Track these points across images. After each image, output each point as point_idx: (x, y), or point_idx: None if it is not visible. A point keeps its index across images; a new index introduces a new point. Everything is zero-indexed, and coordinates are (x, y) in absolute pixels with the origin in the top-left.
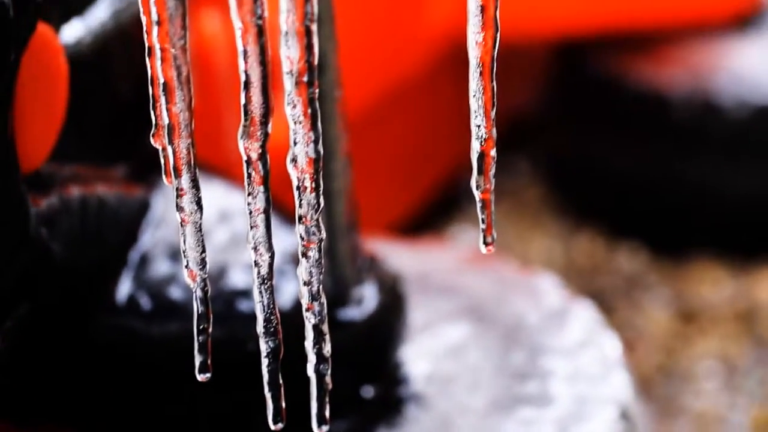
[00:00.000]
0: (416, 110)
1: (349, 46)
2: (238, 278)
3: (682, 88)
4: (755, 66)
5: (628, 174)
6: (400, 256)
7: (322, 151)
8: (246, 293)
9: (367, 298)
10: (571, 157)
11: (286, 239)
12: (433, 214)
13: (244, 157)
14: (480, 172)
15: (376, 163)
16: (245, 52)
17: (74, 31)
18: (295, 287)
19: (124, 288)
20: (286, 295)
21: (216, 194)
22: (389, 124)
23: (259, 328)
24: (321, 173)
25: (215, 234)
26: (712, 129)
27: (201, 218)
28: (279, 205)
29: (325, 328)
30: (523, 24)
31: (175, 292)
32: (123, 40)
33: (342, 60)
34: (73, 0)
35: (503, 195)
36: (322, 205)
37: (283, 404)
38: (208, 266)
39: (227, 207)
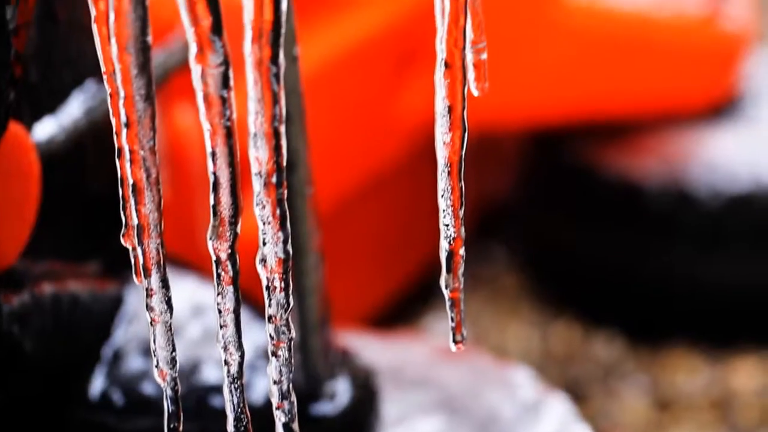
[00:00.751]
0: (390, 201)
1: (322, 139)
2: (210, 374)
3: (656, 178)
4: (729, 155)
5: (604, 262)
6: (374, 349)
7: (291, 251)
8: (218, 389)
9: (340, 392)
10: (548, 245)
11: (258, 334)
12: (408, 304)
13: (213, 257)
14: (449, 270)
15: (349, 255)
16: (214, 154)
17: (47, 128)
18: (267, 382)
19: (97, 383)
20: (258, 391)
21: (188, 289)
22: (363, 215)
23: (230, 427)
24: (290, 273)
25: (188, 329)
26: (686, 218)
27: (171, 318)
28: (251, 300)
29: (296, 426)
30: (499, 112)
31: (147, 388)
32: (96, 136)
33: (315, 153)
34: (45, 98)
35: (480, 282)
36: (291, 304)
37: None
38: (178, 364)
39: (200, 302)
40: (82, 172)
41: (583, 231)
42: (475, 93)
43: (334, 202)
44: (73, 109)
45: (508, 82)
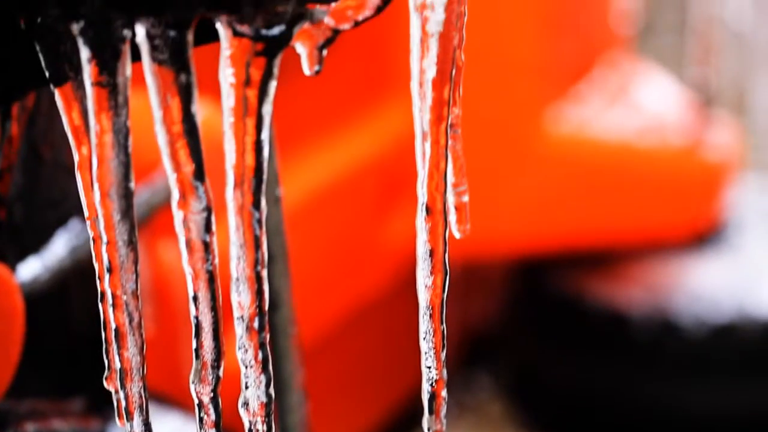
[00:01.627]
0: (375, 330)
1: (307, 271)
2: None
3: (640, 307)
4: (713, 285)
5: (589, 390)
6: None
7: (273, 394)
8: None
9: None
10: (533, 373)
11: None
12: None
13: (196, 401)
14: (431, 412)
15: (333, 387)
16: (196, 298)
17: (31, 268)
18: None
19: None
20: None
21: (172, 427)
22: (348, 346)
23: None
24: (272, 415)
25: None
26: (670, 347)
27: None
28: None
29: None
30: (484, 242)
31: None
32: (80, 275)
33: (299, 287)
34: (29, 238)
35: (465, 410)
36: None
37: None
38: None
39: None
40: (67, 311)
41: (568, 359)
42: (457, 235)
43: (319, 335)
44: (58, 248)
45: (494, 212)
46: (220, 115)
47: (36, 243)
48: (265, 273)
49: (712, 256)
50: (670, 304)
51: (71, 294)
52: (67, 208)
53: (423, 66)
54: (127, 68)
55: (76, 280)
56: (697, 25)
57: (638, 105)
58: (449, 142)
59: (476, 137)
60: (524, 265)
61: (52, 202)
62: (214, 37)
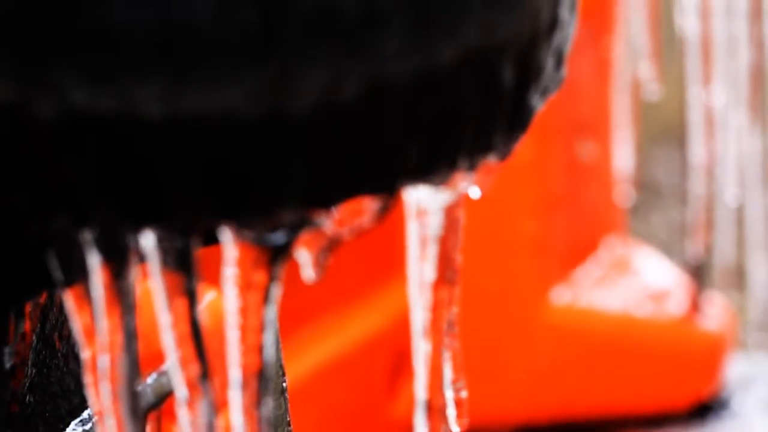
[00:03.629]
0: None
1: None
2: None
3: None
4: None
5: None
6: None
7: None
8: None
9: None
10: None
11: None
12: None
13: None
14: None
15: None
16: None
17: None
18: None
19: None
20: None
21: None
22: None
23: None
24: None
25: None
26: None
27: None
28: None
29: None
30: (483, 413)
31: None
32: None
33: None
34: (42, 429)
35: None
36: None
37: None
38: None
39: None
40: None
41: None
42: (456, 431)
43: None
44: None
45: (496, 386)
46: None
47: None
48: None
49: (714, 425)
50: None
51: None
52: (80, 398)
53: (421, 270)
54: (136, 272)
55: None
56: (693, 201)
57: (637, 279)
58: (447, 341)
59: (480, 313)
60: None
61: (64, 393)
62: (219, 239)
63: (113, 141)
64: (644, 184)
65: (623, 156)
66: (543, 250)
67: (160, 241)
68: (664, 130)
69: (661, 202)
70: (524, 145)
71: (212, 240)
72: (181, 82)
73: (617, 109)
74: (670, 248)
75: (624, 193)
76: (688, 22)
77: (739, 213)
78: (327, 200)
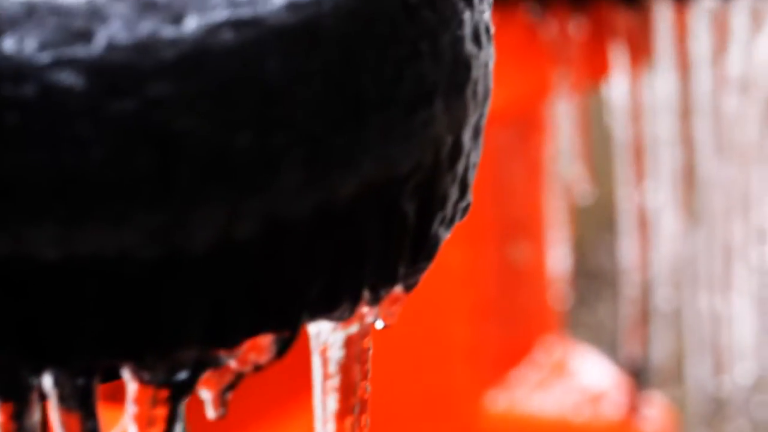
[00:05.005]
0: None
1: None
2: None
3: None
4: None
5: None
6: None
7: None
8: None
9: None
10: None
11: None
12: None
13: None
14: None
15: None
16: None
17: None
18: None
19: None
20: None
21: None
22: None
23: None
24: None
25: None
26: None
27: None
28: None
29: None
30: None
31: None
32: None
33: None
34: None
35: None
36: None
37: None
38: None
39: None
40: None
41: None
42: None
43: None
44: None
45: None
46: None
47: None
48: None
49: None
50: None
51: None
52: None
53: (325, 402)
54: (35, 413)
55: None
56: (628, 302)
57: (574, 381)
58: None
59: (411, 422)
60: None
61: None
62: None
63: (9, 283)
64: (590, 272)
65: (558, 255)
66: (476, 354)
67: (58, 381)
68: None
69: (610, 290)
70: (455, 249)
71: (114, 376)
72: (76, 225)
73: (550, 209)
74: (607, 349)
75: (560, 293)
76: (617, 122)
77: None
78: (228, 339)
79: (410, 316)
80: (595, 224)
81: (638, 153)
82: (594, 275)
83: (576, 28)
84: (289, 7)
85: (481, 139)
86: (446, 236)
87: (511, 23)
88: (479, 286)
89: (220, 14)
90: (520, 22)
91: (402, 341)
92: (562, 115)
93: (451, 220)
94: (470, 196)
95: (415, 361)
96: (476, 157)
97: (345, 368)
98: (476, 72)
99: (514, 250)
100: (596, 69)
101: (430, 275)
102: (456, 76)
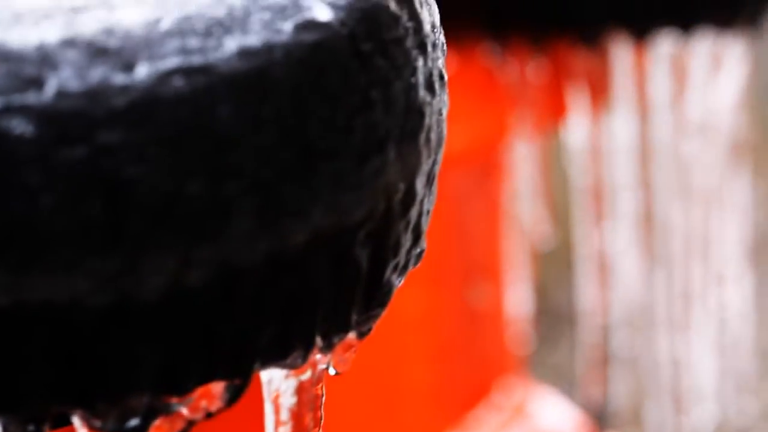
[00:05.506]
0: None
1: None
2: None
3: None
4: None
5: None
6: None
7: None
8: None
9: None
10: None
11: None
12: None
13: None
14: None
15: None
16: None
17: None
18: None
19: None
20: None
21: None
22: None
23: None
24: None
25: None
26: None
27: None
28: None
29: None
30: None
31: None
32: None
33: None
34: None
35: None
36: None
37: None
38: None
39: None
40: None
41: None
42: None
43: None
44: None
45: None
46: None
47: None
48: None
49: None
50: None
51: None
52: None
53: None
54: None
55: None
56: (587, 345)
57: (532, 423)
58: None
59: None
60: None
61: None
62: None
63: None
64: (551, 314)
65: (518, 297)
66: (436, 396)
67: (8, 428)
68: (565, 266)
69: (571, 332)
70: (415, 292)
71: (65, 422)
72: (25, 272)
73: (510, 251)
74: (567, 392)
75: (521, 335)
76: (576, 165)
77: (634, 355)
78: (180, 386)
79: (369, 358)
80: (556, 266)
81: (597, 196)
82: (555, 316)
83: (535, 70)
84: (241, 55)
85: (435, 186)
86: (399, 283)
87: (469, 65)
88: (439, 329)
89: (171, 61)
90: (478, 65)
91: (361, 384)
92: (522, 158)
93: (405, 267)
94: (424, 243)
95: (374, 404)
96: (430, 203)
97: (297, 415)
98: (430, 119)
99: (474, 292)
100: (555, 111)
101: (389, 317)
102: (409, 123)
